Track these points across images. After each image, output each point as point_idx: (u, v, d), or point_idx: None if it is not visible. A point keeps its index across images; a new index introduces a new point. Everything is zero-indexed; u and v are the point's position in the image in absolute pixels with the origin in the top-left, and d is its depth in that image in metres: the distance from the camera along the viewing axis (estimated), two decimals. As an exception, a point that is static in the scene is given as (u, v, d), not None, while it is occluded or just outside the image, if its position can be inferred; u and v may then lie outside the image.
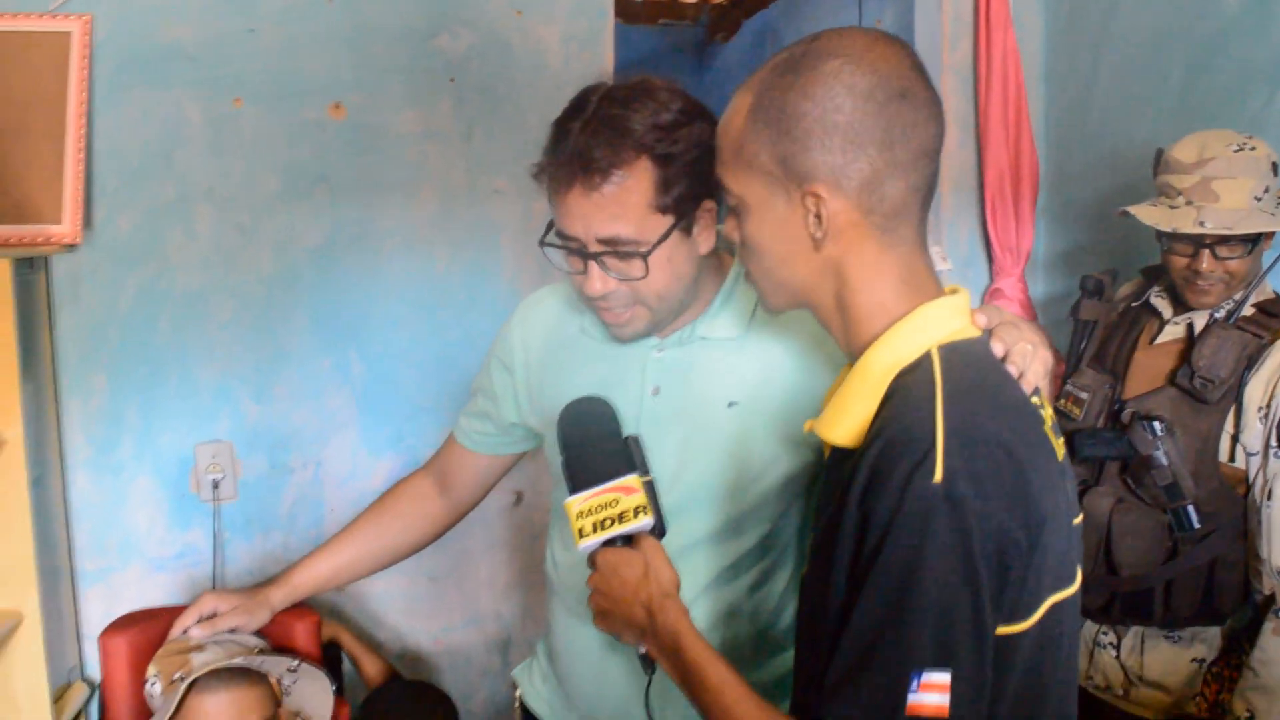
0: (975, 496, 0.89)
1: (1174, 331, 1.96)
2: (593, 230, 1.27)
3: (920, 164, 1.02)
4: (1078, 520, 1.07)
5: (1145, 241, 2.21)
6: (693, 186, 1.27)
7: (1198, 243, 1.84)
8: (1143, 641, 1.94)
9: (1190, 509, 1.85)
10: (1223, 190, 1.81)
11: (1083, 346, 2.12)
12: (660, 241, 1.27)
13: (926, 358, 1.00)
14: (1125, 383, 1.99)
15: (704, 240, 1.33)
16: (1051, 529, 0.95)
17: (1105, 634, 1.99)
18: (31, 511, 2.04)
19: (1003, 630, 0.93)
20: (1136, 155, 2.04)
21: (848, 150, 0.99)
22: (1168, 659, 1.92)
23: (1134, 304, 2.07)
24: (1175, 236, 1.87)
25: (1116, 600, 1.92)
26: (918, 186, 1.03)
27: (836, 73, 0.98)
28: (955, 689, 0.88)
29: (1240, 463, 1.84)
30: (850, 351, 1.07)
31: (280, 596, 1.71)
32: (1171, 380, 1.90)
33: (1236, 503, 1.85)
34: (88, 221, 2.25)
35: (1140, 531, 1.88)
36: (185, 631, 1.65)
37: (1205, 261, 1.84)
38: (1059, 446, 1.07)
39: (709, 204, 1.31)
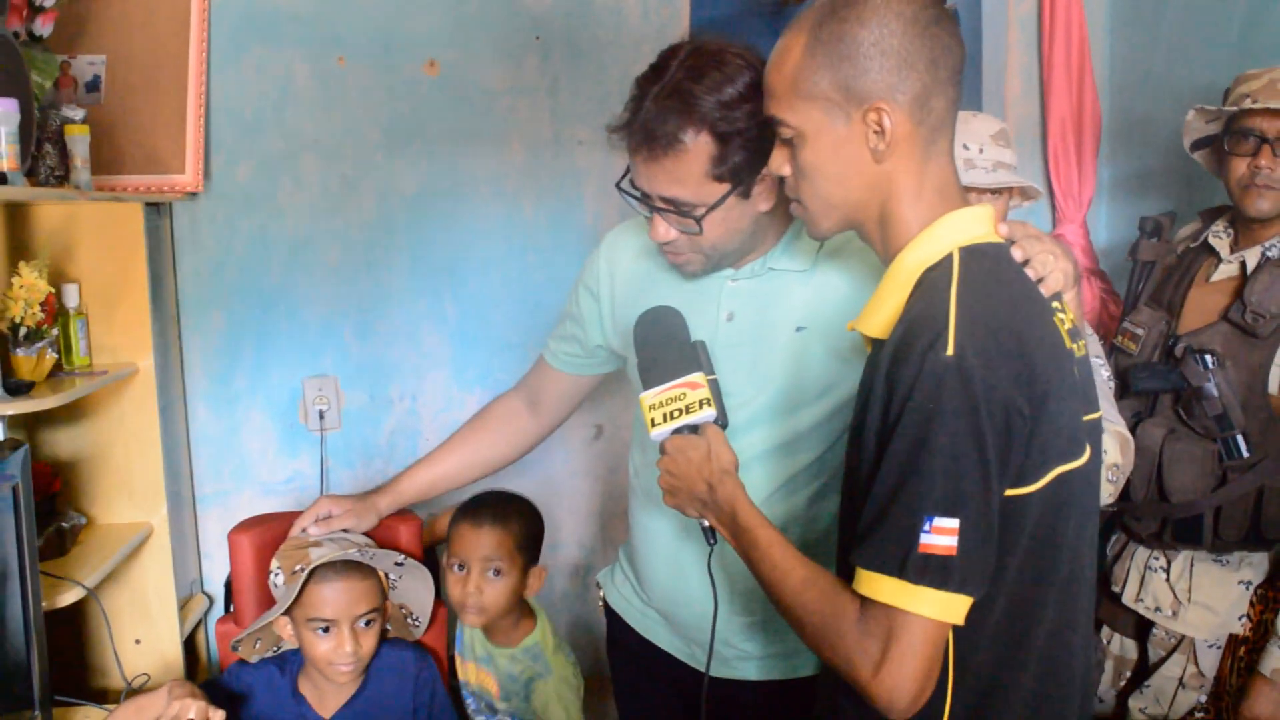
0: (981, 367, 1.02)
1: (1228, 270, 2.02)
2: (655, 189, 1.41)
3: (956, 80, 1.15)
4: (1090, 417, 1.19)
5: (1205, 186, 2.27)
6: (752, 157, 1.38)
7: (1260, 139, 1.91)
8: (1192, 565, 2.02)
9: (1239, 438, 1.92)
10: None
11: (1140, 286, 2.19)
12: (715, 206, 1.40)
13: (949, 257, 1.13)
14: (1180, 319, 2.06)
15: (763, 201, 1.44)
16: (1055, 405, 1.08)
17: (1156, 558, 2.07)
18: (160, 435, 2.26)
19: (1011, 492, 1.06)
20: (1197, 103, 2.10)
21: (902, 69, 1.12)
22: (1216, 581, 2.00)
23: (1192, 245, 2.13)
24: (1235, 137, 1.95)
25: (1168, 526, 2.01)
26: (954, 100, 1.16)
27: (885, 4, 1.12)
28: (963, 533, 1.02)
29: (1289, 395, 1.91)
30: (887, 257, 1.20)
31: (387, 502, 1.89)
32: (1224, 315, 1.96)
33: (1285, 433, 1.92)
34: (207, 171, 2.46)
35: (1191, 460, 1.95)
36: (304, 530, 1.84)
37: (1265, 157, 1.90)
38: (1076, 346, 1.19)
39: (767, 172, 1.39)
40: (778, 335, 1.50)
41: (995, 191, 1.90)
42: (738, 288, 1.53)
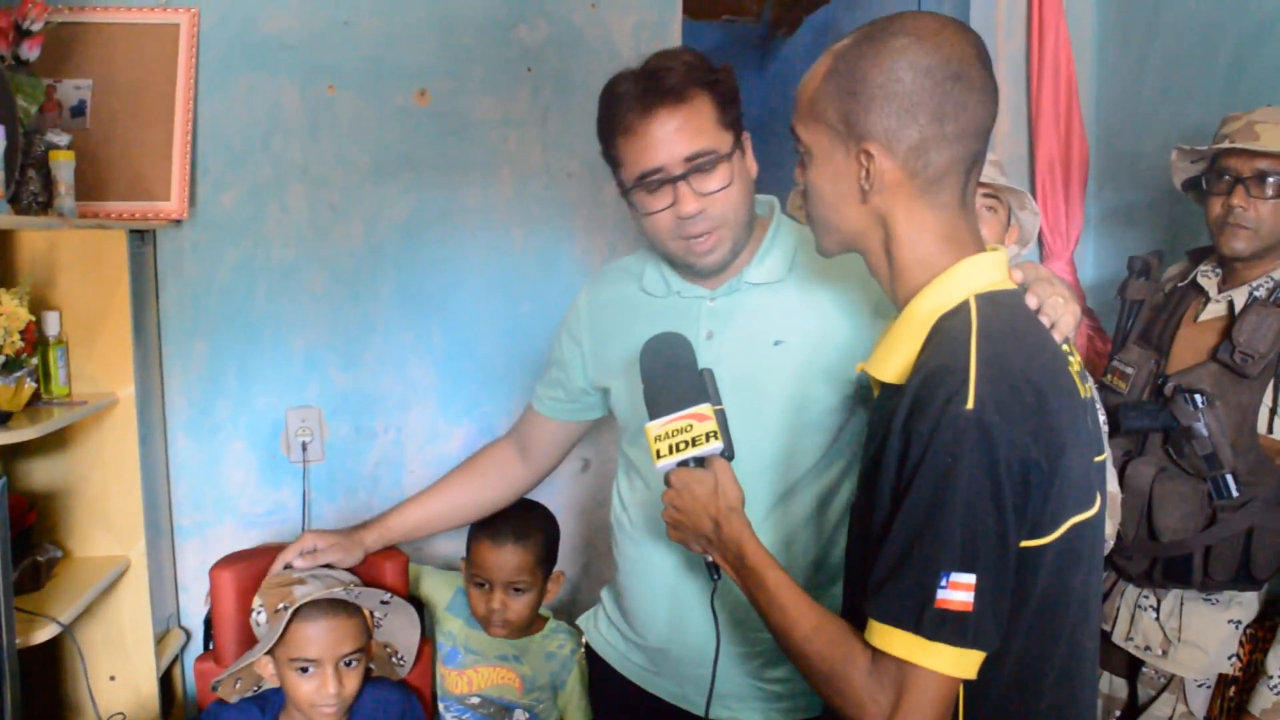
0: (1002, 422, 1.01)
1: (1216, 309, 2.03)
2: (678, 151, 1.45)
3: (966, 140, 1.13)
4: (1100, 458, 1.18)
5: (1192, 225, 2.29)
6: (736, 114, 1.49)
7: (1234, 180, 1.94)
8: (1182, 604, 2.02)
9: (1229, 478, 1.92)
10: (1263, 132, 1.91)
11: (1129, 325, 2.20)
12: (732, 150, 1.48)
13: (965, 305, 1.12)
14: (1169, 358, 2.07)
15: (751, 164, 1.54)
16: (1071, 456, 1.07)
17: (1146, 597, 2.07)
18: (139, 466, 2.22)
19: (1027, 543, 1.05)
20: (1184, 142, 2.12)
21: (901, 117, 1.11)
22: (1206, 621, 2.00)
23: (1180, 284, 2.14)
24: (1211, 177, 1.97)
25: (1158, 565, 2.01)
26: (962, 159, 1.14)
27: (904, 49, 1.11)
28: (979, 589, 1.01)
29: (1278, 434, 1.91)
30: (897, 300, 1.19)
31: (374, 538, 1.87)
32: (1213, 355, 1.98)
33: (1274, 473, 1.92)
34: (192, 199, 2.43)
35: (1181, 499, 1.96)
36: (288, 565, 1.81)
37: (1237, 197, 1.93)
38: (1084, 389, 1.18)
39: (747, 134, 1.52)
40: (757, 350, 1.52)
41: (989, 203, 1.92)
42: (716, 307, 1.55)
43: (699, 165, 1.45)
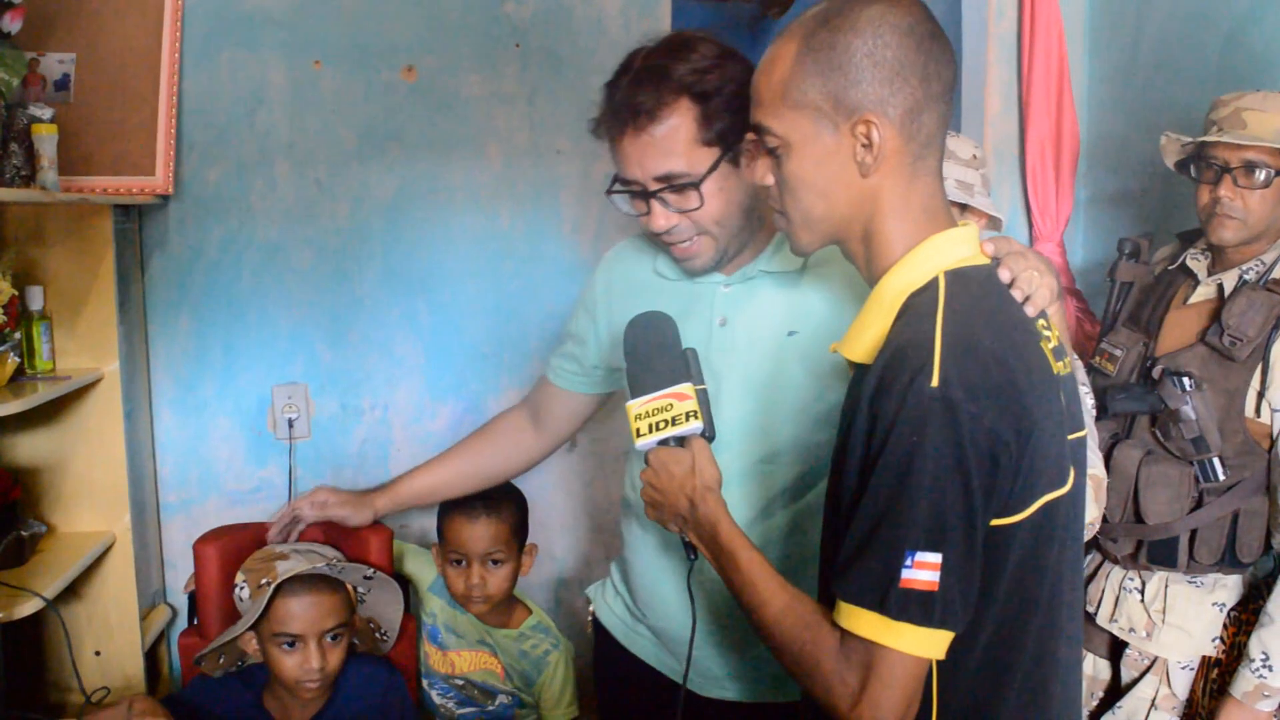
0: (967, 399, 1.00)
1: (1206, 292, 2.03)
2: (648, 170, 1.41)
3: (947, 98, 1.14)
4: (1075, 435, 1.18)
5: (1182, 207, 2.28)
6: (735, 120, 1.38)
7: (1221, 169, 1.92)
8: (1167, 587, 2.02)
9: (1216, 461, 1.92)
10: (1251, 119, 1.89)
11: (1119, 306, 2.20)
12: (710, 172, 1.41)
13: (934, 282, 1.11)
14: (1158, 341, 2.06)
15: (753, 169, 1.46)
16: (1042, 434, 1.06)
17: (1131, 579, 2.07)
18: (125, 442, 2.22)
19: (997, 522, 1.05)
20: (1175, 124, 2.11)
21: (894, 82, 1.10)
22: (1190, 603, 2.00)
23: (1169, 266, 2.14)
24: (1200, 164, 1.96)
25: (1143, 547, 2.01)
26: (945, 117, 1.14)
27: (882, 14, 1.10)
28: (945, 568, 1.00)
29: (1265, 418, 1.91)
30: (871, 278, 1.18)
31: (384, 502, 1.89)
32: (1202, 338, 1.97)
33: (1261, 457, 1.92)
34: (178, 174, 2.41)
35: (1167, 482, 1.96)
36: (294, 511, 1.86)
37: (1225, 187, 1.92)
38: (1060, 367, 1.18)
39: (753, 136, 1.42)
40: (770, 340, 1.50)
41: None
42: (731, 293, 1.53)
43: (671, 185, 1.41)
